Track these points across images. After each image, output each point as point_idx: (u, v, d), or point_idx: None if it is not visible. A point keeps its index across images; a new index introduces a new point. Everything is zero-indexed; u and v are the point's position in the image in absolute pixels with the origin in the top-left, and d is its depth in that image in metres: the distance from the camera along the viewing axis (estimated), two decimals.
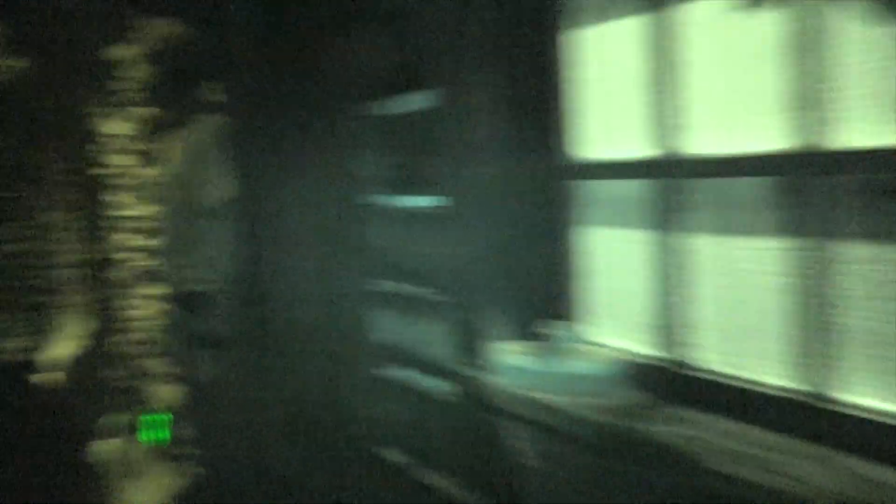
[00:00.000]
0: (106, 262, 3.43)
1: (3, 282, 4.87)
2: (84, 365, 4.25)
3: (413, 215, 2.05)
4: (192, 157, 2.02)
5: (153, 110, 2.73)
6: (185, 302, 2.14)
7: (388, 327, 1.94)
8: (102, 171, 3.21)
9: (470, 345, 1.93)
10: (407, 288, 2.01)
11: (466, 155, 2.00)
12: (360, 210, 2.02)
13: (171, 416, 3.07)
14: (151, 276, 3.03)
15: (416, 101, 2.15)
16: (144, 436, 3.19)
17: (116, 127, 2.96)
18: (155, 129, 2.74)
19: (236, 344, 2.08)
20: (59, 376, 4.45)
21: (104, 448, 3.40)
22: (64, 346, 4.58)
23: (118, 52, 2.11)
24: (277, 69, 1.97)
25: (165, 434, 3.11)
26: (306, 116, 2.01)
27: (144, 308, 3.12)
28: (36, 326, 4.98)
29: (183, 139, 2.08)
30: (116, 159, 3.03)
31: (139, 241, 3.04)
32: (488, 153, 1.99)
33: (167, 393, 3.09)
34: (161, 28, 2.04)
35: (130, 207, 3.00)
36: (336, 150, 1.91)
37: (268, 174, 1.89)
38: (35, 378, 4.54)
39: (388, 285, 2.01)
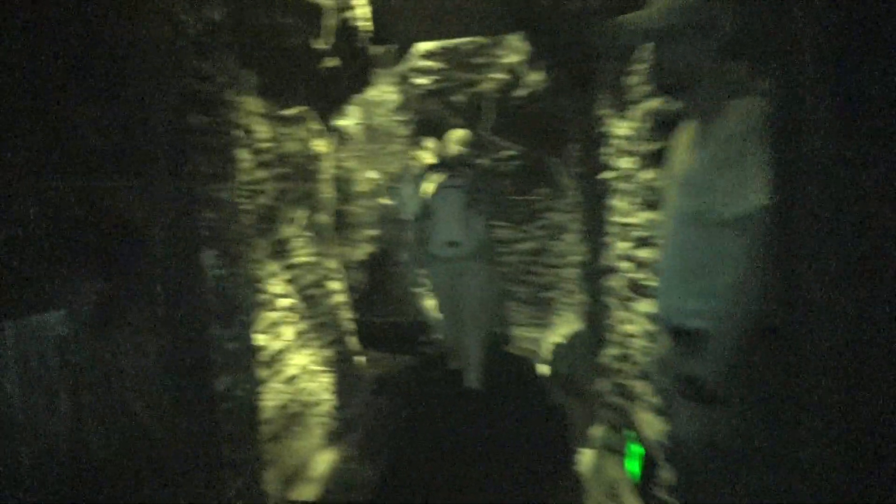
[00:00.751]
0: (604, 269, 3.29)
1: (515, 276, 5.46)
2: (571, 368, 4.32)
3: None
4: (709, 157, 1.45)
5: (662, 104, 2.31)
6: (678, 335, 1.62)
7: None
8: (607, 174, 3.04)
9: None
10: None
11: None
12: None
13: (644, 450, 2.68)
14: (643, 292, 2.66)
15: None
16: (625, 463, 2.91)
17: (622, 127, 2.70)
18: (662, 125, 2.33)
19: (736, 404, 1.45)
20: (546, 369, 4.69)
21: (583, 458, 3.31)
22: (558, 343, 4.79)
23: (627, 34, 1.75)
24: (848, 32, 1.17)
25: (637, 467, 2.76)
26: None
27: (633, 325, 2.79)
28: (538, 320, 5.41)
29: (700, 135, 1.53)
30: (620, 162, 2.77)
31: (635, 250, 2.71)
32: None
33: (649, 424, 2.69)
34: None
35: (629, 214, 2.70)
36: None
37: (820, 177, 1.13)
38: (536, 367, 4.91)
39: None
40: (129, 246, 0.97)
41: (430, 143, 4.85)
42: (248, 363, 1.70)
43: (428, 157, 4.68)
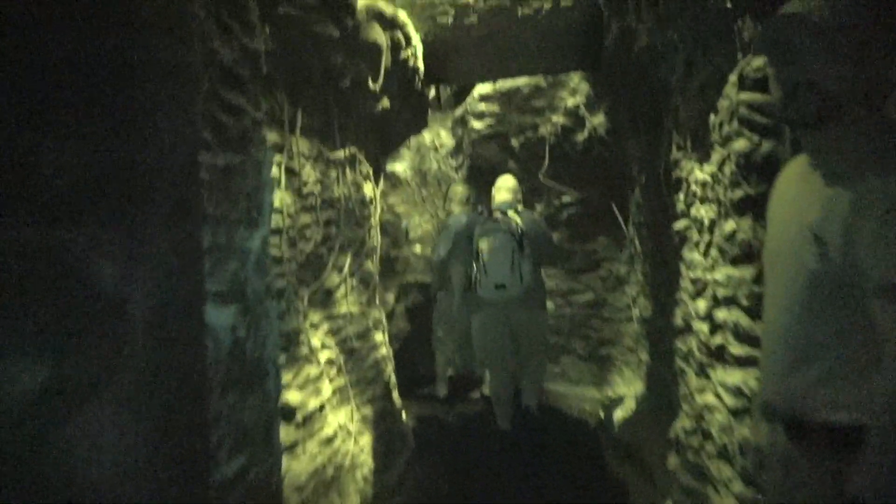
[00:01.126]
0: (674, 329, 2.97)
1: (572, 329, 5.13)
2: (633, 435, 3.94)
3: None
4: (862, 208, 1.16)
5: (750, 144, 2.04)
6: (802, 428, 1.31)
7: None
8: (679, 223, 2.75)
9: None
10: None
11: None
12: None
13: None
14: (724, 358, 2.34)
15: None
16: None
17: (700, 172, 2.42)
18: (748, 168, 2.06)
19: None
20: (603, 433, 4.31)
21: None
22: (616, 405, 4.41)
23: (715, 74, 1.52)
24: None
25: None
26: None
27: (711, 395, 2.45)
28: (595, 378, 5.04)
29: (838, 180, 1.23)
30: (697, 210, 2.49)
31: (714, 310, 2.39)
32: None
33: None
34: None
35: (708, 269, 2.39)
36: None
37: None
38: (592, 429, 4.53)
39: None
40: (98, 315, 0.77)
41: (459, 187, 4.69)
42: (269, 435, 1.48)
43: (457, 204, 4.55)
